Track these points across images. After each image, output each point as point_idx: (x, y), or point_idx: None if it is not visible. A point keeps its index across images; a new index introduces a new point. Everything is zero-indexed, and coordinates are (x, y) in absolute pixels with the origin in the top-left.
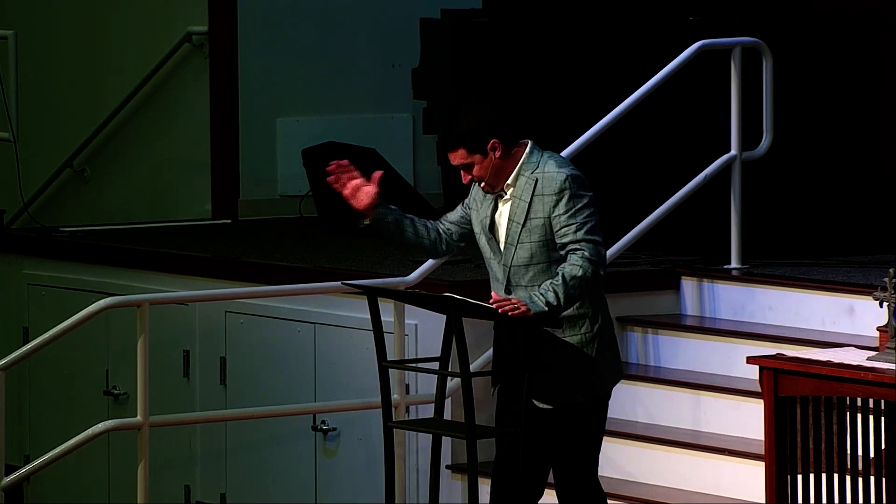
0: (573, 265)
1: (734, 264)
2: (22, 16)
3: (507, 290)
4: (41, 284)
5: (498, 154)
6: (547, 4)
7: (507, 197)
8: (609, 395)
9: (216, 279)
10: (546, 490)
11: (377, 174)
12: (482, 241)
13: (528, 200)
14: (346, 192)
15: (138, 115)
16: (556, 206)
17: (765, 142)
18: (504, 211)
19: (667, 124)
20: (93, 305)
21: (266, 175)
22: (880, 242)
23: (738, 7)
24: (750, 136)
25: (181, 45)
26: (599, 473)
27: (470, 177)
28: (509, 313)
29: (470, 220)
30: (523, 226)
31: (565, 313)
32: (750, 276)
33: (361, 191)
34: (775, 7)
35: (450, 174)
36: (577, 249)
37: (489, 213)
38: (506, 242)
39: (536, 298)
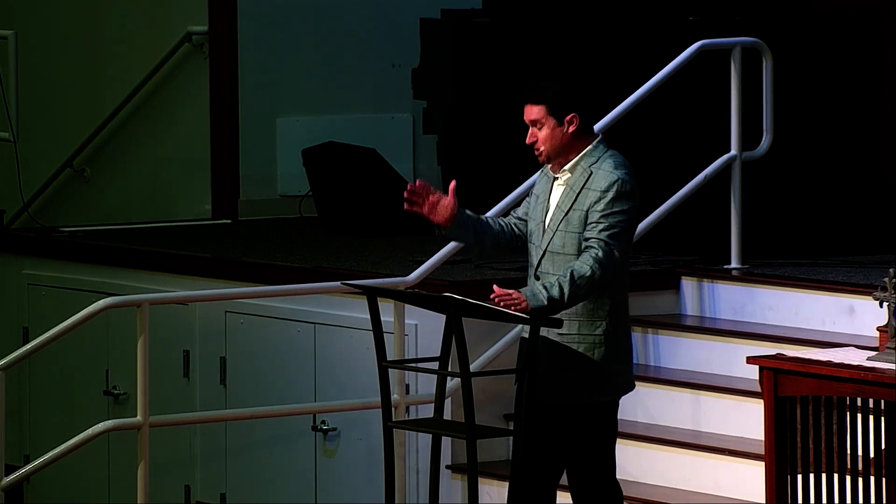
0: (583, 263)
1: (734, 264)
2: (22, 16)
3: (536, 276)
4: (41, 284)
5: (570, 130)
6: (547, 4)
7: (560, 182)
8: (616, 403)
9: (216, 279)
10: (562, 491)
11: (453, 185)
12: (530, 227)
13: (578, 191)
14: (424, 210)
15: (138, 115)
16: (597, 202)
17: (765, 142)
18: (555, 196)
19: (667, 124)
20: (93, 305)
21: (266, 175)
22: (880, 242)
23: (738, 7)
24: (750, 136)
25: (181, 45)
26: None
27: (534, 139)
28: (510, 308)
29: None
30: (566, 214)
31: (583, 312)
32: (750, 276)
33: (440, 205)
34: (775, 7)
35: (450, 174)
36: (591, 247)
37: (546, 198)
38: (547, 227)
39: (539, 292)
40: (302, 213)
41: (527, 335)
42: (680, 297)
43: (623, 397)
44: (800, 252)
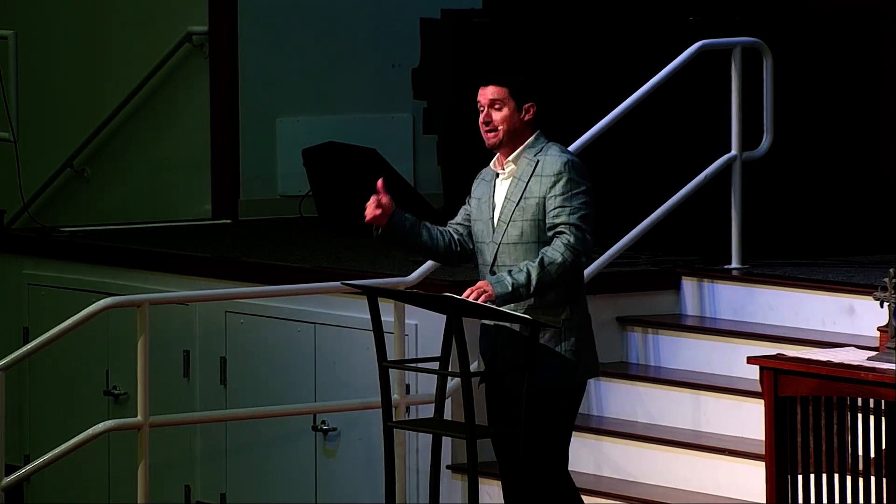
0: (555, 250)
1: (734, 264)
2: (22, 16)
3: (492, 272)
4: (41, 284)
5: (526, 118)
6: (547, 5)
7: (505, 176)
8: (583, 388)
9: (216, 279)
10: None
11: (381, 183)
12: (477, 227)
13: (527, 180)
14: (372, 213)
15: (138, 115)
16: (552, 187)
17: (765, 142)
18: (501, 190)
19: (667, 124)
20: (93, 305)
21: (266, 175)
22: (880, 242)
23: (738, 7)
24: (750, 136)
25: (181, 45)
26: (600, 473)
27: (490, 119)
28: (479, 300)
29: (471, 216)
30: (517, 204)
31: (545, 301)
32: (750, 276)
33: (381, 205)
34: (775, 7)
35: (450, 174)
36: (562, 233)
37: (490, 196)
38: (499, 220)
39: (504, 278)
40: (302, 213)
41: (488, 321)
42: (680, 297)
43: (623, 398)
44: (800, 252)
